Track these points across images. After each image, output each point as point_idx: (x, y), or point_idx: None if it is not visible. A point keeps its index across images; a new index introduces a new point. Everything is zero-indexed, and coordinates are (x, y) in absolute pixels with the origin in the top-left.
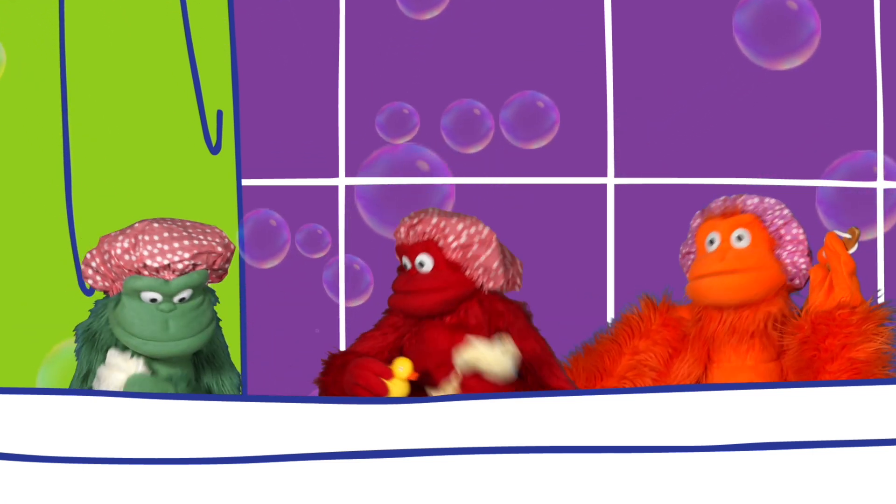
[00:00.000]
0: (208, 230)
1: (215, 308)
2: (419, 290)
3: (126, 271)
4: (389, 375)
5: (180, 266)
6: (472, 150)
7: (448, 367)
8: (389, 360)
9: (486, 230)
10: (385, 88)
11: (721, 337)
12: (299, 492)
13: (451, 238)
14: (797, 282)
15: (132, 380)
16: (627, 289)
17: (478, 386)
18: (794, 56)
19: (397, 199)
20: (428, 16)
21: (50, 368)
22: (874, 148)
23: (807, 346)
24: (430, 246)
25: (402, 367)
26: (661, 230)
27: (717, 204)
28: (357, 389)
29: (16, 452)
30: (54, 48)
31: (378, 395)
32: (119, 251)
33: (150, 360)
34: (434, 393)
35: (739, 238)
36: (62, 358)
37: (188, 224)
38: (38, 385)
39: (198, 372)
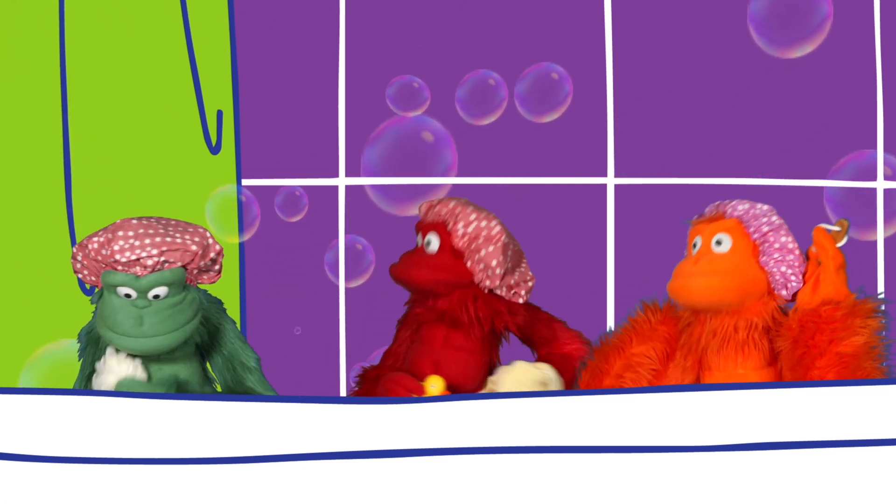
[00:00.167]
0: (190, 229)
1: (220, 300)
2: (418, 263)
3: (103, 266)
4: (421, 392)
5: (149, 262)
6: (486, 121)
7: (441, 367)
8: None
9: (498, 229)
10: (395, 62)
11: (707, 343)
12: (299, 492)
13: (459, 225)
14: (784, 293)
15: (122, 383)
16: (627, 289)
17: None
18: (806, 42)
19: (402, 173)
20: None
21: (32, 371)
22: (874, 147)
23: (797, 345)
24: (439, 227)
25: (434, 385)
26: (661, 230)
27: (710, 208)
28: None
29: (16, 452)
30: (54, 48)
31: None
32: (96, 246)
33: (146, 359)
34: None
35: (718, 242)
36: (45, 361)
37: (172, 222)
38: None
39: (206, 359)
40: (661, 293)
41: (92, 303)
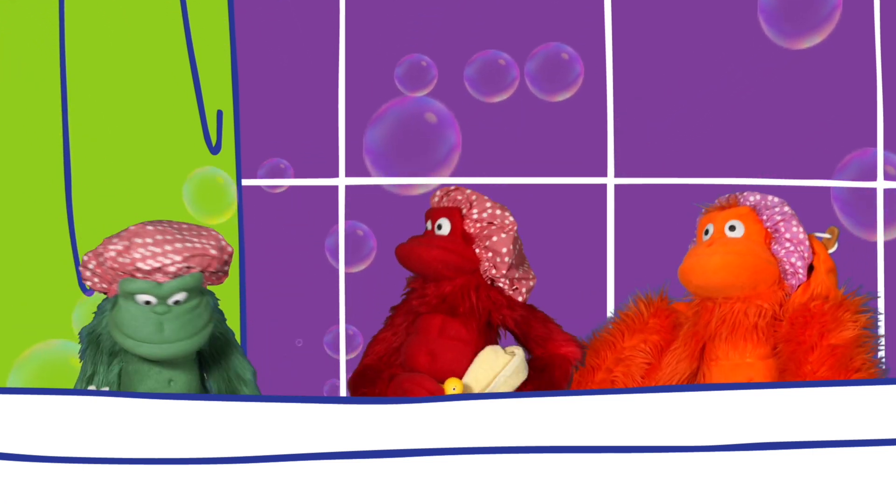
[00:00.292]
0: (204, 232)
1: (219, 305)
2: (427, 242)
3: (120, 274)
4: (441, 394)
5: (172, 269)
6: (497, 99)
7: (437, 356)
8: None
9: (510, 220)
10: (404, 41)
11: (715, 331)
12: (299, 492)
13: (475, 210)
14: (793, 282)
15: None
16: (627, 288)
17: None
18: (815, 33)
19: (405, 152)
20: None
21: (21, 371)
22: (875, 146)
23: (787, 342)
24: (453, 212)
25: (455, 387)
26: (661, 230)
27: (721, 199)
28: None
29: (16, 452)
30: (54, 48)
31: None
32: (113, 254)
33: (148, 361)
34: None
35: (732, 228)
36: (34, 361)
37: (184, 226)
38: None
39: (204, 371)
40: (653, 288)
41: (101, 308)
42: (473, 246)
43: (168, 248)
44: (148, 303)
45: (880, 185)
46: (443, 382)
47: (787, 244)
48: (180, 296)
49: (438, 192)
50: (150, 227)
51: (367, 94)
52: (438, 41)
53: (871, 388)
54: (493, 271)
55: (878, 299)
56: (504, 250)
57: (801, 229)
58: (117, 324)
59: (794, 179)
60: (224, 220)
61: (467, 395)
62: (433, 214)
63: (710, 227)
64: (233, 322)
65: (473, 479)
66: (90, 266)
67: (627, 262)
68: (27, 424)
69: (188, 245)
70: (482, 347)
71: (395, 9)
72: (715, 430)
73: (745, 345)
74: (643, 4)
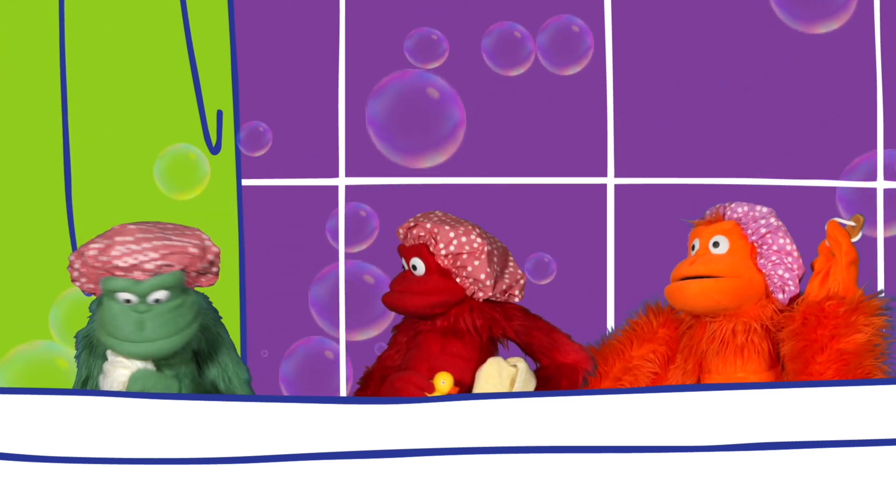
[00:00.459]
0: (188, 232)
1: (215, 306)
2: (409, 290)
3: (101, 272)
4: (431, 390)
5: (150, 266)
6: (514, 72)
7: (438, 373)
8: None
9: (479, 241)
10: (415, 14)
11: (707, 347)
12: (299, 492)
13: (441, 245)
14: (781, 296)
15: (136, 374)
16: (627, 289)
17: None
18: (832, 19)
19: (408, 125)
20: None
21: (5, 372)
22: (875, 147)
23: (798, 337)
24: (422, 250)
25: (444, 381)
26: (661, 230)
27: (709, 211)
28: None
29: (16, 452)
30: (54, 48)
31: None
32: (94, 252)
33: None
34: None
35: (716, 244)
36: (18, 361)
37: (169, 226)
38: None
39: (200, 370)
40: (662, 295)
41: (90, 310)
42: (453, 277)
43: (146, 245)
44: (128, 301)
45: (880, 185)
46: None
47: (774, 257)
48: (160, 294)
49: (402, 228)
50: (132, 227)
51: (368, 94)
52: (448, 15)
53: (872, 388)
54: (480, 294)
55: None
56: (483, 276)
57: (788, 240)
58: (101, 323)
59: (794, 179)
60: (196, 195)
61: (467, 396)
62: (404, 253)
63: (697, 243)
64: (233, 322)
65: (473, 479)
66: (76, 266)
67: (627, 262)
68: (27, 424)
69: (167, 243)
70: (483, 362)
71: (395, 9)
72: (715, 430)
73: (735, 361)
74: (643, 4)
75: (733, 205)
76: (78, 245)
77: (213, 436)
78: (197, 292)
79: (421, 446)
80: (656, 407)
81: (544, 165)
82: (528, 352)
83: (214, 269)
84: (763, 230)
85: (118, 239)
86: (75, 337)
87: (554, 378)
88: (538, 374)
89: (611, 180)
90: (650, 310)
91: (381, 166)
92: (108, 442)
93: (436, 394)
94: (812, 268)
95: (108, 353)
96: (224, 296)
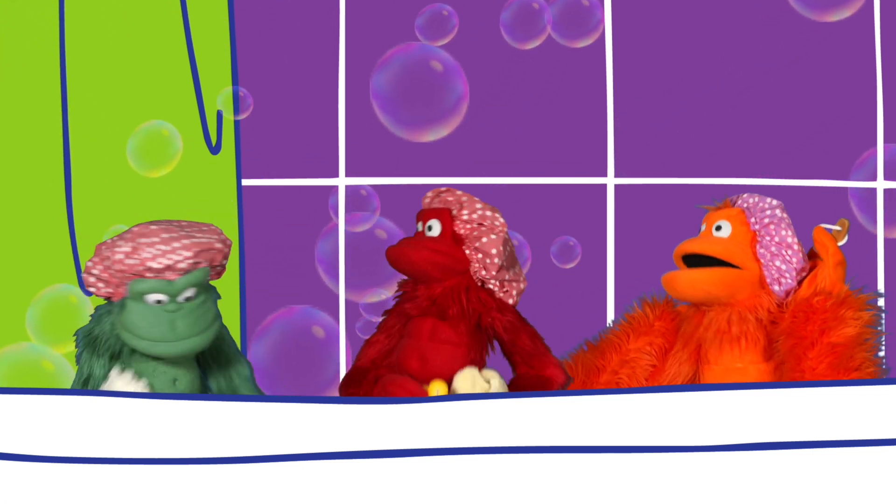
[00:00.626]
0: (204, 228)
1: (224, 306)
2: (417, 244)
3: (129, 275)
4: (423, 396)
5: (183, 265)
6: (530, 45)
7: (428, 361)
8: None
9: (501, 222)
10: (415, 11)
11: (703, 336)
12: (299, 492)
13: (465, 211)
14: (776, 288)
15: None
16: (627, 288)
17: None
18: (844, 7)
19: (412, 97)
20: None
21: None
22: (874, 145)
23: (788, 335)
24: (443, 214)
25: (438, 389)
26: (661, 230)
27: (723, 199)
28: None
29: (16, 452)
30: (54, 48)
31: None
32: (121, 256)
33: (154, 360)
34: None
35: (718, 228)
36: (3, 363)
37: (184, 224)
38: None
39: (203, 370)
40: (659, 291)
41: (97, 312)
42: (464, 247)
43: (176, 245)
44: (159, 301)
45: (880, 185)
46: (427, 385)
47: (773, 248)
48: (190, 292)
49: (430, 193)
50: (153, 227)
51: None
52: None
53: (871, 388)
54: (483, 272)
55: (885, 297)
56: (494, 251)
57: (790, 233)
58: (127, 327)
59: (794, 179)
60: (168, 171)
61: (466, 396)
62: (423, 216)
63: (703, 226)
64: (233, 322)
65: (473, 479)
66: (95, 271)
67: (627, 262)
68: (27, 424)
69: (195, 241)
70: (473, 350)
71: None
72: (715, 431)
73: (731, 350)
74: (643, 4)
75: (746, 195)
76: (78, 245)
77: (213, 436)
78: (213, 287)
79: (420, 446)
80: (655, 407)
81: (544, 165)
82: (510, 352)
83: (225, 263)
84: (766, 220)
85: (144, 241)
86: (75, 335)
87: (528, 389)
88: (513, 382)
89: (611, 180)
90: (646, 303)
91: (381, 167)
92: (108, 442)
93: None
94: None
95: (111, 376)
96: (224, 295)
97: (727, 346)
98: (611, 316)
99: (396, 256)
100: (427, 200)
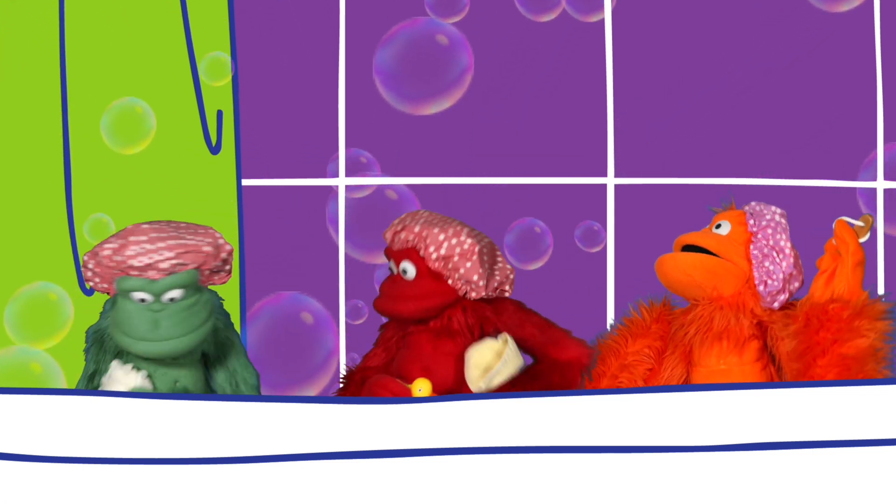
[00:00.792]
0: (200, 231)
1: (225, 306)
2: (402, 295)
3: (116, 272)
4: (407, 395)
5: (165, 265)
6: (544, 18)
7: (431, 372)
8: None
9: (469, 241)
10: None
11: (688, 333)
12: (299, 492)
13: (431, 248)
14: (761, 289)
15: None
16: (627, 289)
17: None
18: None
19: (416, 71)
20: None
21: None
22: (874, 146)
23: (800, 338)
24: (412, 254)
25: (421, 388)
26: (661, 230)
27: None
28: None
29: (16, 452)
30: (54, 48)
31: None
32: (108, 252)
33: (153, 362)
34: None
35: (718, 226)
36: None
37: (182, 225)
38: None
39: (209, 371)
40: (657, 293)
41: (104, 308)
42: (445, 279)
43: (161, 244)
44: (143, 300)
45: (880, 185)
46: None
47: (765, 249)
48: (175, 293)
49: (389, 232)
50: (145, 226)
51: (368, 93)
52: None
53: (871, 388)
54: (473, 294)
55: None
56: (475, 277)
57: (785, 238)
58: (116, 322)
59: (795, 179)
60: (142, 148)
61: (465, 396)
62: (395, 257)
63: (707, 226)
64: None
65: (471, 479)
66: (90, 266)
67: (627, 262)
68: (27, 424)
69: (181, 242)
70: None
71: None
72: (714, 431)
73: (710, 350)
74: (643, 4)
75: (753, 202)
76: (78, 244)
77: (213, 436)
78: (211, 291)
79: (419, 446)
80: (654, 407)
81: (544, 165)
82: (523, 347)
83: (227, 268)
84: (764, 223)
85: (132, 239)
86: (86, 332)
87: (544, 375)
88: (530, 370)
89: (611, 180)
90: (642, 306)
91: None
92: (108, 442)
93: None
94: (817, 266)
95: (112, 366)
96: (224, 296)
97: (710, 344)
98: (611, 316)
99: (388, 313)
100: (388, 239)
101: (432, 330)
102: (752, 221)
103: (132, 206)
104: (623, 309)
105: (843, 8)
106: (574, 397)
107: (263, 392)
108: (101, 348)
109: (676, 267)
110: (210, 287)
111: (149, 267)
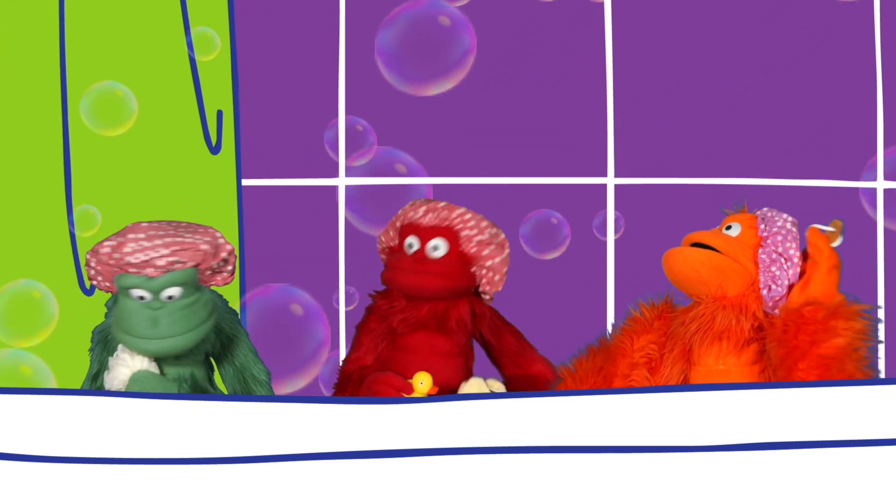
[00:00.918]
0: (200, 230)
1: (236, 311)
2: (429, 271)
3: (115, 269)
4: (410, 391)
5: (161, 263)
6: None
7: (432, 375)
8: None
9: (503, 235)
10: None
11: (689, 330)
12: (299, 492)
13: (474, 232)
14: (765, 293)
15: (136, 376)
16: (627, 289)
17: None
18: None
19: (418, 55)
20: None
21: None
22: (874, 146)
23: (780, 345)
24: (448, 232)
25: (423, 382)
26: (661, 230)
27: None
28: None
29: (16, 452)
30: (54, 48)
31: None
32: (107, 250)
33: (159, 359)
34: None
35: (729, 228)
36: None
37: (182, 224)
38: None
39: (218, 368)
40: (659, 292)
41: (107, 306)
42: (471, 265)
43: (157, 242)
44: (142, 298)
45: (880, 185)
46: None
47: (773, 255)
48: (173, 291)
49: (421, 207)
50: (144, 224)
51: (368, 94)
52: None
53: (869, 388)
54: (489, 287)
55: (880, 308)
56: (505, 269)
57: (794, 246)
58: (116, 320)
59: (795, 179)
60: (123, 131)
61: (464, 396)
62: (422, 232)
63: (718, 226)
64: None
65: (470, 479)
66: (92, 264)
67: (627, 262)
68: (27, 424)
69: (178, 240)
70: (469, 358)
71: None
72: (713, 431)
73: (709, 350)
74: (643, 4)
75: (766, 208)
76: (78, 244)
77: (213, 436)
78: (213, 291)
79: (419, 447)
80: (652, 407)
81: (544, 165)
82: (497, 354)
83: (229, 268)
84: (774, 229)
85: (130, 236)
86: (92, 332)
87: (522, 389)
88: (505, 385)
89: (611, 180)
90: (642, 305)
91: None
92: (108, 442)
93: (415, 395)
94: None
95: (119, 347)
96: (224, 296)
97: (710, 343)
98: (611, 316)
99: (406, 285)
100: (420, 214)
101: (428, 326)
102: (763, 226)
103: (132, 206)
104: (625, 306)
105: None
106: (574, 397)
107: None
108: (105, 348)
109: (684, 261)
110: (212, 288)
111: (146, 264)
